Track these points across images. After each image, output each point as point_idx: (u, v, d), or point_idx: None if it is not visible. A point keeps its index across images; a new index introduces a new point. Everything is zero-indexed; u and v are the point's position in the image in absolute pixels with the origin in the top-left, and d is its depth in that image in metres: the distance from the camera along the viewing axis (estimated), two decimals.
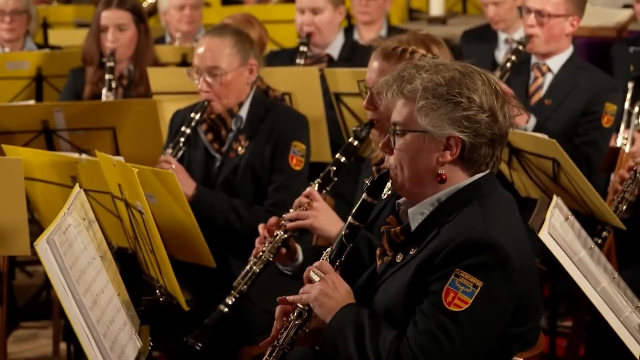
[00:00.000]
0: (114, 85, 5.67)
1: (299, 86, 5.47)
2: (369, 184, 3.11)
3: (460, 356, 2.87)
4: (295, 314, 3.09)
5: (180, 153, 4.63)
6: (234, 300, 4.05)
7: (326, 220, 3.75)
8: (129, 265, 4.09)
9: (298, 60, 6.20)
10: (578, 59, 5.43)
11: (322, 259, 3.14)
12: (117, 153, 4.96)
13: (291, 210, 3.82)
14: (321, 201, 3.79)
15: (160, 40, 6.91)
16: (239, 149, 4.61)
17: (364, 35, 6.83)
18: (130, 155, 4.51)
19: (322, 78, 5.58)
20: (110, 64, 5.70)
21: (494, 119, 2.97)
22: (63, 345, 5.42)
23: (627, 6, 7.38)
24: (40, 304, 6.17)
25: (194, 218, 4.11)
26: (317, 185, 3.87)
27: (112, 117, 5.08)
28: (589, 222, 4.31)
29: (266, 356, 3.11)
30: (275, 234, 3.83)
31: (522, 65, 5.41)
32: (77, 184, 3.32)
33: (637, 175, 4.42)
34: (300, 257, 3.79)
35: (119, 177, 3.78)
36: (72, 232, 3.01)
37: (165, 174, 4.10)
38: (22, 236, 3.98)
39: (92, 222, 3.25)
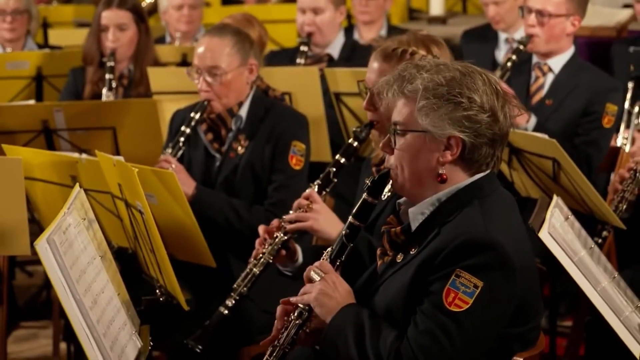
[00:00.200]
0: (114, 85, 5.67)
1: (299, 86, 5.47)
2: (369, 184, 3.11)
3: (461, 356, 2.87)
4: (295, 314, 3.09)
5: (180, 153, 4.63)
6: (234, 302, 4.05)
7: (326, 222, 3.74)
8: (129, 265, 4.09)
9: (298, 60, 6.20)
10: (579, 59, 5.43)
11: (323, 259, 3.14)
12: (117, 153, 4.96)
13: (291, 212, 3.82)
14: (321, 203, 3.78)
15: (161, 40, 6.91)
16: (239, 148, 4.61)
17: (364, 35, 6.83)
18: (130, 155, 4.50)
19: (322, 78, 5.58)
20: (110, 63, 5.70)
21: (494, 119, 2.96)
22: (63, 345, 5.43)
23: (627, 6, 7.38)
24: (40, 304, 6.17)
25: (194, 218, 4.11)
26: (316, 186, 3.86)
27: (112, 117, 5.08)
28: (589, 221, 4.31)
29: (266, 356, 3.11)
30: (275, 235, 3.82)
31: (523, 65, 5.41)
32: (77, 184, 3.32)
33: (637, 175, 4.42)
34: (300, 258, 3.79)
35: (119, 177, 3.78)
36: (72, 232, 3.00)
37: (165, 174, 4.10)
38: (22, 236, 3.98)
39: (92, 221, 3.25)
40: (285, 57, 6.35)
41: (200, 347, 4.04)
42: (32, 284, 6.56)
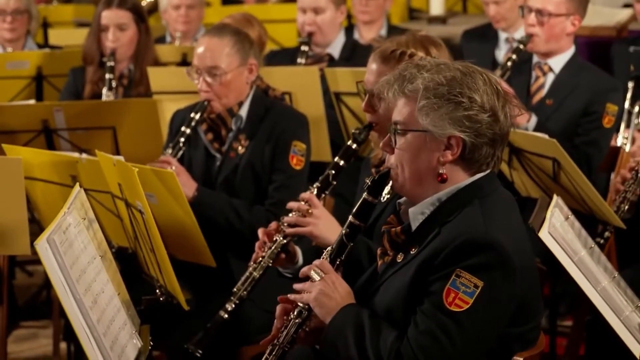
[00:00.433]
0: (114, 84, 5.67)
1: (299, 86, 5.47)
2: (369, 183, 3.11)
3: (461, 356, 2.87)
4: (295, 313, 3.09)
5: (180, 153, 4.63)
6: (234, 306, 4.05)
7: (326, 227, 3.69)
8: (129, 264, 4.09)
9: (299, 60, 6.20)
10: (579, 58, 5.43)
11: (323, 258, 3.14)
12: (117, 152, 4.96)
13: (291, 214, 3.79)
14: (320, 207, 3.74)
15: (161, 40, 6.91)
16: (239, 148, 4.61)
17: (364, 34, 6.83)
18: (130, 154, 4.50)
19: (323, 77, 5.58)
20: (110, 63, 5.70)
21: (495, 119, 2.96)
22: (63, 345, 5.42)
23: (627, 6, 7.38)
24: (40, 304, 6.17)
25: (194, 217, 4.11)
26: (316, 189, 3.83)
27: (112, 117, 5.08)
28: (589, 221, 4.31)
29: (266, 355, 3.11)
30: (274, 238, 3.80)
31: (523, 65, 5.40)
32: (77, 184, 3.32)
33: (639, 175, 4.41)
34: (301, 259, 3.78)
35: (119, 177, 3.78)
36: (72, 232, 3.00)
37: (165, 174, 4.09)
38: (22, 236, 3.98)
39: (92, 221, 3.25)
40: (285, 56, 6.35)
41: (200, 351, 4.03)
42: (32, 283, 6.56)
